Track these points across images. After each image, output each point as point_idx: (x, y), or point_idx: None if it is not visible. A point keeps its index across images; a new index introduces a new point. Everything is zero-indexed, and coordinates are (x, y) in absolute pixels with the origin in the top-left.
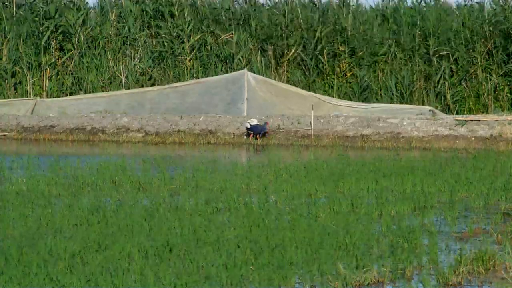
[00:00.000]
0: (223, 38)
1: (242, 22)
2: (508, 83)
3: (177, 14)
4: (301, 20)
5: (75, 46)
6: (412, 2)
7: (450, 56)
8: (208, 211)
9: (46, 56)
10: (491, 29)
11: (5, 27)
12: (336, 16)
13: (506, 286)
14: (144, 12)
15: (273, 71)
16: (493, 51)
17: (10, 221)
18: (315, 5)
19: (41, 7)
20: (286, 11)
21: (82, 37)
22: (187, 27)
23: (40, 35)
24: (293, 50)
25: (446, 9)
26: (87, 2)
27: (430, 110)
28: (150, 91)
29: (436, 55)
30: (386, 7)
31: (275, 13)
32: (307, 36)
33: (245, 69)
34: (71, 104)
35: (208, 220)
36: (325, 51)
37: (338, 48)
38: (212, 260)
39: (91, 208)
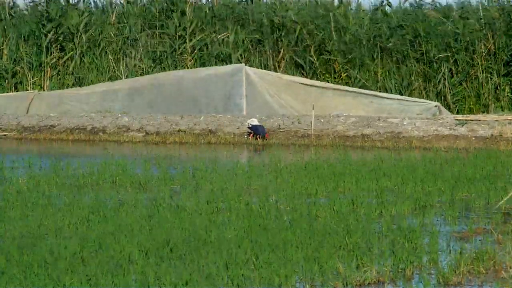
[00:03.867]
0: (220, 38)
1: (240, 21)
2: (509, 83)
3: (187, 13)
4: (295, 19)
5: (76, 46)
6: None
7: (450, 58)
8: (209, 211)
9: (47, 56)
10: (493, 29)
11: (6, 27)
12: (328, 16)
13: (506, 286)
14: (147, 12)
15: (272, 71)
16: (496, 51)
17: (10, 221)
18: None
19: (43, 7)
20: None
21: (83, 37)
22: (190, 27)
23: (41, 35)
24: (281, 52)
25: (445, 11)
26: (88, 3)
27: (436, 106)
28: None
29: (436, 57)
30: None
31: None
32: (299, 36)
33: (243, 64)
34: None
35: (208, 220)
36: (314, 51)
37: (330, 48)
38: (212, 260)
39: (91, 207)
